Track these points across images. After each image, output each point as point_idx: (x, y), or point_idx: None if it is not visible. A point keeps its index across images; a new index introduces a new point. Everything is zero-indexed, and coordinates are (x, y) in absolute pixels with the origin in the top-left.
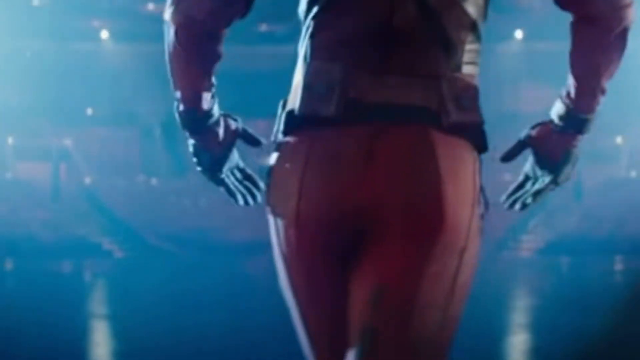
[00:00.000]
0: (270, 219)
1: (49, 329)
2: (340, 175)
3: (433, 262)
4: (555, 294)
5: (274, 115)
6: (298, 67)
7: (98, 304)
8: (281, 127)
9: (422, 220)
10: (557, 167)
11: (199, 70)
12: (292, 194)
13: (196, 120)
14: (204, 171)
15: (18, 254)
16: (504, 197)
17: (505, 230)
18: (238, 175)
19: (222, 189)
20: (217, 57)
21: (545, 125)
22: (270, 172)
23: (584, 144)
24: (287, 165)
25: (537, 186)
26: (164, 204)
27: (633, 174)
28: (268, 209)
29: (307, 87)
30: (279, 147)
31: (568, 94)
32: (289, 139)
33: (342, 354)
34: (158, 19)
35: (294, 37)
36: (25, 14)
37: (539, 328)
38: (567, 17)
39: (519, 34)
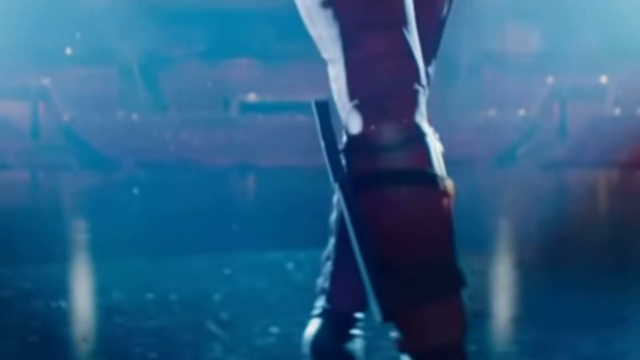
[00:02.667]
0: None
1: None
2: None
3: None
4: (538, 198)
5: (258, 54)
6: None
7: (74, 219)
8: None
9: None
10: None
11: None
12: None
13: None
14: None
15: None
16: None
17: (491, 158)
18: None
19: None
20: None
21: None
22: None
23: (570, 82)
24: None
25: None
26: (144, 137)
27: (617, 111)
28: None
29: None
30: None
31: None
32: None
33: None
34: None
35: None
36: None
37: (521, 221)
38: None
39: None
